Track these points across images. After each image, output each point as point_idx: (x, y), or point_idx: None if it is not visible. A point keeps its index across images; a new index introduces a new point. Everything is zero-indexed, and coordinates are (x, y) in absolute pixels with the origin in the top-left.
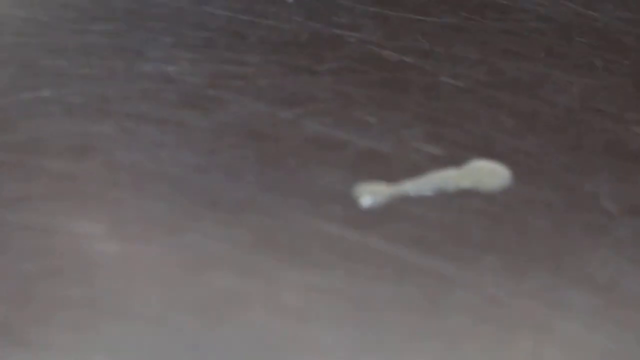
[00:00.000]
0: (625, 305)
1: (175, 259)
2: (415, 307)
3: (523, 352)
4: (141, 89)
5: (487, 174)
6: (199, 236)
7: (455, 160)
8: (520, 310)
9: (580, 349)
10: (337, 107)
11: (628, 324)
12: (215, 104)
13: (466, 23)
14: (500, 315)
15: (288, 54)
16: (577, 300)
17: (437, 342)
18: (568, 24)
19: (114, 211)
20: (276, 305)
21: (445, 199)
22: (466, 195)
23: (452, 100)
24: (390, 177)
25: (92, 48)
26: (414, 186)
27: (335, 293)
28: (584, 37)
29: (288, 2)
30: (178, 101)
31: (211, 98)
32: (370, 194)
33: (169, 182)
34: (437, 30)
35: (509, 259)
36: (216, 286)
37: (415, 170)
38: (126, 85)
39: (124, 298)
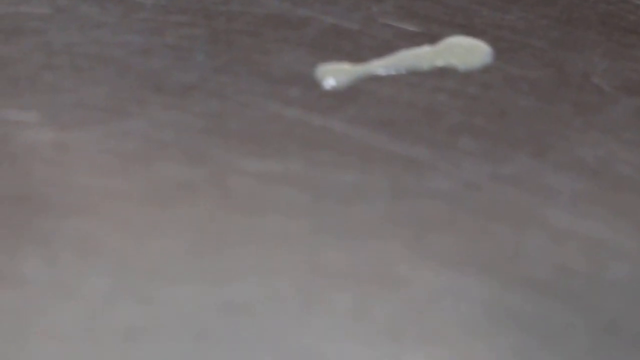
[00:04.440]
0: (617, 189)
1: (116, 147)
2: (382, 195)
3: (503, 243)
4: None
5: (465, 50)
6: (142, 122)
7: (430, 37)
8: (500, 197)
9: (568, 239)
10: None
11: (620, 210)
12: None
13: None
14: (478, 202)
15: None
16: (563, 186)
17: (407, 230)
18: None
19: (48, 97)
20: (226, 195)
21: (418, 78)
22: (441, 74)
23: None
24: (357, 56)
25: None
26: (382, 65)
27: (292, 182)
28: None
29: None
30: None
31: None
32: (333, 75)
33: (109, 64)
34: None
35: (487, 142)
36: (161, 175)
37: (385, 48)
38: None
39: (60, 190)
